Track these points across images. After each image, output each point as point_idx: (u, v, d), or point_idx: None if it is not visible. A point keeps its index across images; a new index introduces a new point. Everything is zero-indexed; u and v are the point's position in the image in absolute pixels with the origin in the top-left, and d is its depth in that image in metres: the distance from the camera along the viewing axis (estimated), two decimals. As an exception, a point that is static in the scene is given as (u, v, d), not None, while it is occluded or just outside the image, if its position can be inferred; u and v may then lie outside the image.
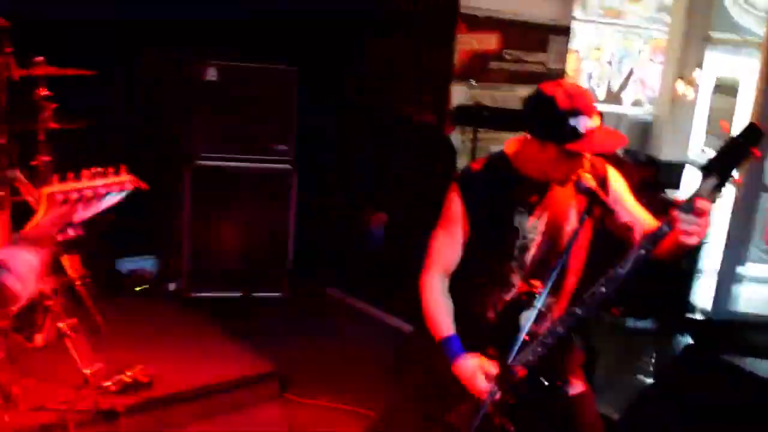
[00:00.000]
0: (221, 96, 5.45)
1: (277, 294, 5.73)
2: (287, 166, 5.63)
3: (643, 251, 2.42)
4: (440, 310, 2.79)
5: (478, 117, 6.49)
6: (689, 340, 6.27)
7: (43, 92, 3.96)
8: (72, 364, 4.08)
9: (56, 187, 1.72)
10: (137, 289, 5.58)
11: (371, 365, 4.72)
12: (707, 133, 8.07)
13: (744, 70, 7.68)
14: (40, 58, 3.92)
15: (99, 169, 1.77)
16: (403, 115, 6.05)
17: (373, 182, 6.05)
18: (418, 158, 6.02)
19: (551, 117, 2.50)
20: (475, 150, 6.69)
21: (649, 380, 5.27)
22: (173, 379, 4.21)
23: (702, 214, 2.29)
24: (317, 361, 4.79)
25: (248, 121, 5.53)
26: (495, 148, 6.88)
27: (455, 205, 2.78)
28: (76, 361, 4.08)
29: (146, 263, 5.89)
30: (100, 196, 1.77)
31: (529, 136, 2.63)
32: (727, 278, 6.80)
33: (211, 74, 5.40)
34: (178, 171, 5.49)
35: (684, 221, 2.30)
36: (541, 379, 2.62)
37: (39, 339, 4.30)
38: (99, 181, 1.75)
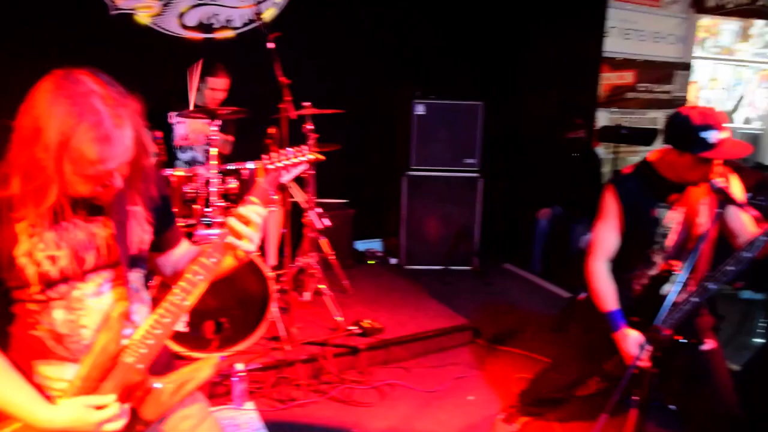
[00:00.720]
0: (428, 124, 5.47)
1: (467, 267, 5.67)
2: (475, 174, 5.58)
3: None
4: (606, 288, 2.68)
5: (618, 135, 6.24)
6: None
7: (309, 126, 4.10)
8: (328, 314, 4.24)
9: (266, 161, 1.76)
10: (369, 262, 5.69)
11: (540, 322, 4.57)
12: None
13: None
14: (308, 103, 4.07)
15: (288, 148, 1.79)
16: (559, 135, 5.84)
17: (539, 184, 5.88)
18: (572, 166, 5.80)
19: (687, 131, 2.40)
20: (616, 160, 6.40)
21: (761, 340, 4.93)
22: (396, 327, 4.25)
23: None
24: (499, 317, 4.68)
25: (447, 142, 5.51)
26: (631, 159, 6.72)
27: (611, 202, 2.67)
28: (331, 312, 4.23)
29: (375, 244, 6.01)
30: (294, 165, 1.78)
31: (669, 147, 2.51)
32: None
33: (420, 110, 5.43)
34: (398, 178, 5.55)
35: None
36: (682, 338, 2.44)
37: (306, 296, 4.49)
38: (291, 154, 1.78)
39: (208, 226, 3.68)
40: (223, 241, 1.71)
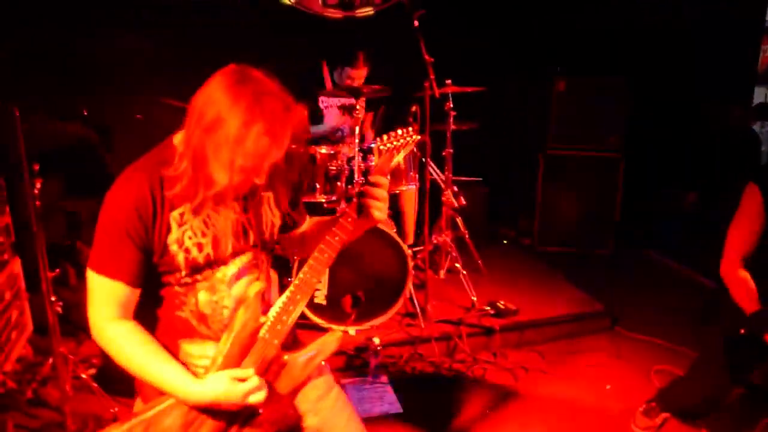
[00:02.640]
0: (567, 102, 5.32)
1: (603, 251, 5.50)
2: (617, 154, 5.36)
3: None
4: (745, 288, 2.53)
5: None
6: None
7: (449, 105, 4.10)
8: (463, 292, 4.26)
9: (380, 142, 1.85)
10: (504, 242, 5.64)
11: (682, 313, 4.36)
12: None
13: None
14: (449, 81, 4.07)
15: (397, 131, 1.87)
16: (712, 113, 5.49)
17: (685, 166, 5.58)
18: (726, 147, 5.46)
19: None
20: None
21: None
22: (530, 309, 4.20)
23: None
24: (638, 305, 4.51)
25: (587, 120, 5.33)
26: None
27: (752, 200, 2.51)
28: (467, 291, 4.25)
29: (510, 224, 5.92)
30: (404, 146, 1.87)
31: None
32: None
33: (561, 86, 5.30)
34: (535, 157, 5.44)
35: None
36: None
37: (442, 273, 4.54)
38: (401, 137, 1.87)
39: (350, 202, 3.79)
40: (352, 214, 1.83)
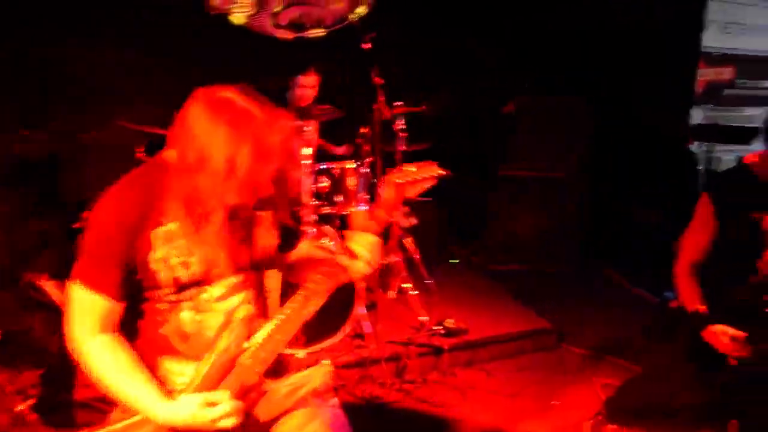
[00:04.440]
0: (523, 122, 5.40)
1: (556, 269, 5.56)
2: (573, 174, 5.46)
3: None
4: (689, 288, 2.66)
5: (713, 133, 6.03)
6: None
7: (400, 125, 4.13)
8: (412, 313, 4.26)
9: (395, 176, 1.83)
10: (452, 261, 5.67)
11: (630, 329, 4.46)
12: None
13: None
14: (400, 103, 4.10)
15: (419, 163, 1.86)
16: (657, 133, 5.67)
17: (637, 185, 5.72)
18: (668, 165, 5.64)
19: None
20: (710, 159, 6.18)
21: None
22: (480, 328, 4.23)
23: None
24: (587, 322, 4.62)
25: (543, 140, 5.40)
26: (726, 158, 6.49)
27: (706, 205, 2.65)
28: (415, 311, 4.26)
29: (461, 243, 5.94)
30: (421, 180, 1.85)
31: None
32: None
33: (516, 106, 5.38)
34: (492, 176, 5.50)
35: None
36: None
37: (392, 294, 4.54)
38: (419, 170, 1.85)
39: (299, 223, 3.78)
40: (341, 260, 1.81)
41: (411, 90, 4.27)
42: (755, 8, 6.36)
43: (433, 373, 3.87)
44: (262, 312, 1.89)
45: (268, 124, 1.59)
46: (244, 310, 1.78)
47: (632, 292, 5.34)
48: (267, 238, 1.87)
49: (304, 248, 2.06)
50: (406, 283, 4.41)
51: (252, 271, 1.83)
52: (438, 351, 3.94)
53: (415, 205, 4.74)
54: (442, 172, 1.86)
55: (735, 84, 6.58)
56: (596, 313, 4.81)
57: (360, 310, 3.87)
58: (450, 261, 5.64)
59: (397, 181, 1.82)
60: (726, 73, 6.51)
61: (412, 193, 1.86)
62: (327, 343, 3.76)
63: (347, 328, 3.79)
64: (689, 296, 2.66)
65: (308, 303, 1.77)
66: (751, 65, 6.56)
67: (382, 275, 4.51)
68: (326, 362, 3.43)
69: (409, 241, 4.59)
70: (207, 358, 1.73)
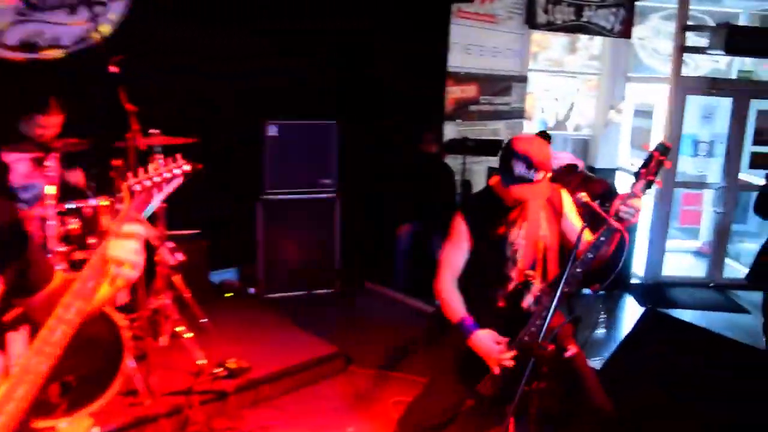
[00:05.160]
0: (281, 146, 5.34)
1: (330, 290, 5.60)
2: (332, 195, 5.53)
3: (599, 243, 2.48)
4: (453, 300, 2.79)
5: (465, 147, 6.47)
6: (631, 299, 6.29)
7: (157, 156, 3.80)
8: (189, 358, 3.96)
9: (132, 180, 1.61)
10: (227, 295, 5.41)
11: (410, 341, 4.60)
12: (633, 146, 8.08)
13: (656, 97, 7.67)
14: (156, 131, 3.79)
15: (162, 160, 1.65)
16: (412, 150, 5.95)
17: (396, 201, 5.94)
18: (427, 180, 5.93)
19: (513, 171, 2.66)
20: (464, 171, 6.63)
21: (602, 331, 5.37)
22: (264, 363, 4.07)
23: (637, 204, 2.43)
24: (370, 341, 4.67)
25: (301, 163, 5.41)
26: (477, 168, 6.99)
27: (460, 225, 2.81)
28: (192, 355, 3.96)
29: (232, 274, 5.73)
30: (167, 180, 1.65)
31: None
32: (655, 251, 6.83)
33: (273, 131, 5.30)
34: (253, 203, 5.35)
35: (624, 209, 2.43)
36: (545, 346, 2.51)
37: (163, 340, 4.16)
38: (163, 169, 1.64)
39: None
40: (99, 268, 1.55)
41: (170, 116, 3.96)
42: (492, 32, 6.98)
43: (220, 419, 3.62)
44: None
45: None
46: None
47: (407, 304, 5.51)
48: None
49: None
50: (178, 326, 4.07)
51: None
52: (222, 395, 3.71)
53: (181, 240, 4.44)
54: (187, 167, 1.66)
55: (479, 101, 7.14)
56: (378, 330, 4.88)
57: (129, 363, 3.47)
58: (225, 296, 5.36)
59: (135, 188, 1.60)
60: (470, 90, 7.04)
61: (158, 197, 1.64)
62: (94, 406, 3.31)
63: (116, 386, 3.37)
64: (453, 308, 2.79)
65: (45, 356, 1.48)
66: (491, 83, 7.17)
67: (151, 321, 4.12)
68: (95, 430, 3.04)
69: (177, 279, 4.25)
70: None
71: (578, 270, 2.47)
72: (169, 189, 1.64)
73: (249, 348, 4.26)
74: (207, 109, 5.13)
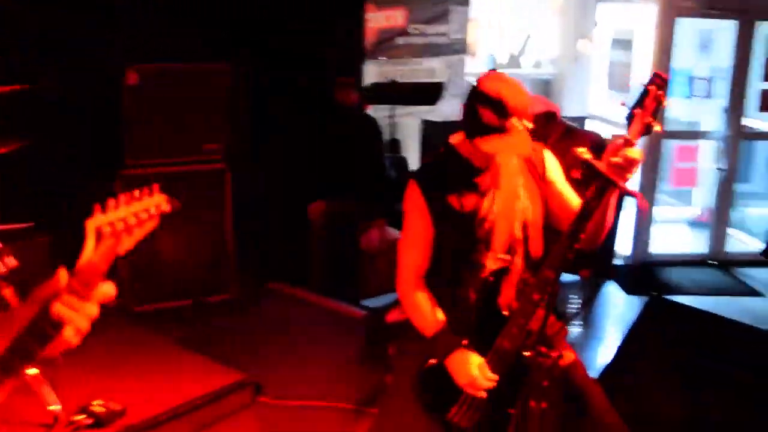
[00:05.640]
0: (147, 100, 5.23)
1: (224, 296, 5.58)
2: (220, 165, 5.48)
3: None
4: (425, 311, 2.82)
5: (393, 94, 6.48)
6: (614, 285, 6.51)
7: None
8: (39, 404, 3.80)
9: (102, 219, 1.63)
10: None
11: (331, 354, 4.73)
12: (610, 87, 8.27)
13: (638, 23, 7.83)
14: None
15: (134, 193, 1.67)
16: (329, 100, 5.90)
17: (305, 171, 5.90)
18: (344, 141, 5.91)
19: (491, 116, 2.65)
20: (393, 126, 6.64)
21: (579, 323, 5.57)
22: (142, 403, 3.99)
23: (632, 156, 2.44)
24: (280, 359, 4.72)
25: (176, 123, 5.35)
26: (408, 122, 7.02)
27: (417, 201, 2.82)
28: (42, 400, 3.80)
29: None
30: (141, 223, 1.66)
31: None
32: (641, 223, 7.07)
33: (135, 79, 5.18)
34: (108, 181, 5.19)
35: (616, 162, 2.44)
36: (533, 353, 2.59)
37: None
38: (138, 206, 1.66)
39: None
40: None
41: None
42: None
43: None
44: None
45: None
46: None
47: (327, 308, 5.56)
48: None
49: None
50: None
51: None
52: (89, 451, 3.66)
53: (10, 236, 4.26)
54: (166, 207, 1.68)
55: (408, 30, 7.15)
56: (291, 346, 4.93)
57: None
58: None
59: (100, 224, 1.63)
60: (396, 17, 7.04)
61: (130, 241, 1.67)
62: None
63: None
64: (423, 318, 2.81)
65: None
66: (422, 7, 7.19)
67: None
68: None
69: (9, 293, 4.05)
70: None
71: (566, 252, 2.50)
72: (142, 234, 1.67)
73: (120, 383, 4.17)
74: (42, 50, 4.97)
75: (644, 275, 6.96)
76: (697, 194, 8.38)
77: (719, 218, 7.39)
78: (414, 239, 2.86)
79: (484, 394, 2.66)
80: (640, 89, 2.47)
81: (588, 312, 6.05)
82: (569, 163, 2.61)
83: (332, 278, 5.79)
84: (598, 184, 2.47)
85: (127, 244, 1.66)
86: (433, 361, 2.77)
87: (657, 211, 7.35)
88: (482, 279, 2.80)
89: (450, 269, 2.85)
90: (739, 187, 7.79)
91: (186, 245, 5.44)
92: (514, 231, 2.83)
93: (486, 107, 2.65)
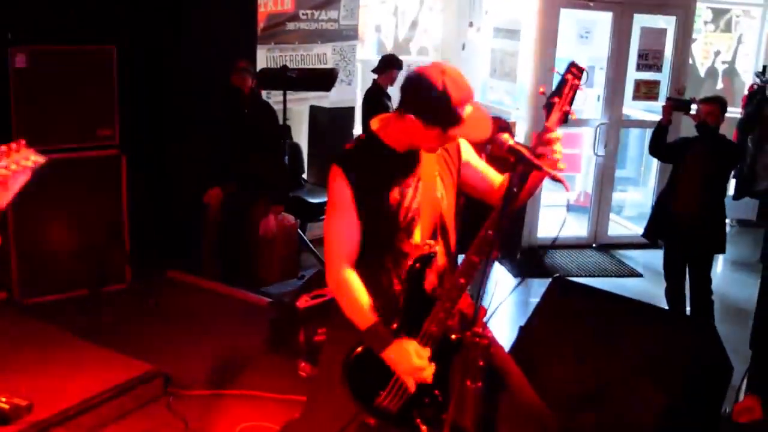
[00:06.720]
0: (34, 82, 5.10)
1: (120, 285, 5.50)
2: (115, 151, 5.38)
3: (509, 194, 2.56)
4: (358, 301, 2.76)
5: (285, 79, 6.45)
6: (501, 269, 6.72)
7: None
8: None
9: None
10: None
11: (239, 342, 4.74)
12: (493, 75, 8.49)
13: (522, 12, 8.06)
14: None
15: (1, 148, 1.71)
16: (226, 84, 5.84)
17: (201, 157, 5.84)
18: (242, 127, 5.87)
19: (443, 107, 2.61)
20: (285, 111, 6.62)
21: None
22: (49, 397, 3.89)
23: (555, 142, 2.55)
24: (185, 349, 4.70)
25: (67, 107, 5.21)
26: (298, 108, 7.01)
27: (341, 188, 2.78)
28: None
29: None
30: (15, 174, 1.76)
31: (409, 116, 2.68)
32: (528, 209, 7.30)
33: (22, 61, 5.04)
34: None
35: (545, 153, 2.54)
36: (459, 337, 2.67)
37: None
38: (6, 161, 1.72)
39: None
40: None
41: None
42: None
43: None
44: None
45: None
46: None
47: (228, 296, 5.56)
48: None
49: None
50: None
51: None
52: (-7, 450, 3.55)
53: None
54: (40, 159, 1.77)
55: (298, 15, 7.14)
56: (195, 335, 4.91)
57: None
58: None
59: None
60: (286, 1, 7.03)
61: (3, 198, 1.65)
62: None
63: None
64: (356, 308, 2.77)
65: None
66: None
67: None
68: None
69: None
70: None
71: (490, 233, 2.55)
72: (15, 189, 1.71)
73: (22, 378, 4.05)
74: None
75: (530, 259, 7.23)
76: (578, 180, 8.75)
77: (599, 203, 7.72)
78: (341, 226, 2.82)
79: (428, 380, 2.66)
80: (558, 78, 2.55)
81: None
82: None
83: (227, 266, 5.76)
84: (522, 168, 2.54)
85: (4, 198, 1.70)
86: (359, 349, 2.76)
87: (541, 197, 7.61)
88: (407, 266, 2.80)
89: (374, 256, 2.84)
90: (617, 174, 8.15)
91: (79, 234, 5.33)
92: (435, 219, 2.85)
93: (436, 99, 2.61)
